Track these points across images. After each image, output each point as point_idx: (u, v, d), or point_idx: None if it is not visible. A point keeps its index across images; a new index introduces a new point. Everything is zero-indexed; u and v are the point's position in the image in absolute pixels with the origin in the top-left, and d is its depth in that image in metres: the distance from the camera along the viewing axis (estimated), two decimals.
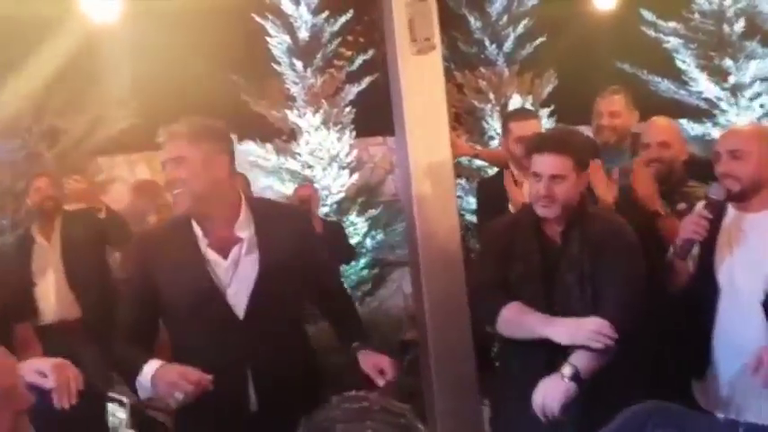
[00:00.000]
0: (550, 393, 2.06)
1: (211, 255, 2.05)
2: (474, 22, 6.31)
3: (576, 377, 2.07)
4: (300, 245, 2.15)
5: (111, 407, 2.49)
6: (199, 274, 2.03)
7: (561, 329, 2.13)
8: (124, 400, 2.44)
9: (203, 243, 2.06)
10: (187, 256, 2.04)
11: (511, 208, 3.20)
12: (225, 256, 2.06)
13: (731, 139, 2.40)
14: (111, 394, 2.50)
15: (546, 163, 2.21)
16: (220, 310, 2.04)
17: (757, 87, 6.87)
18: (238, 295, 2.05)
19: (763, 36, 6.84)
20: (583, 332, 2.09)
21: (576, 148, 2.27)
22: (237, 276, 2.05)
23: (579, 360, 2.09)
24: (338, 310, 2.34)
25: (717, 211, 2.32)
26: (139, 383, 1.99)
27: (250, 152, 6.15)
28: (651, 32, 6.92)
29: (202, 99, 5.53)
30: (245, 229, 2.08)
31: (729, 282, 2.29)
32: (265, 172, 6.15)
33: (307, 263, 2.19)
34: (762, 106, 6.88)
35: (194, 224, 2.07)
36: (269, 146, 6.14)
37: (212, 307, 2.04)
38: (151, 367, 1.97)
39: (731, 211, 2.37)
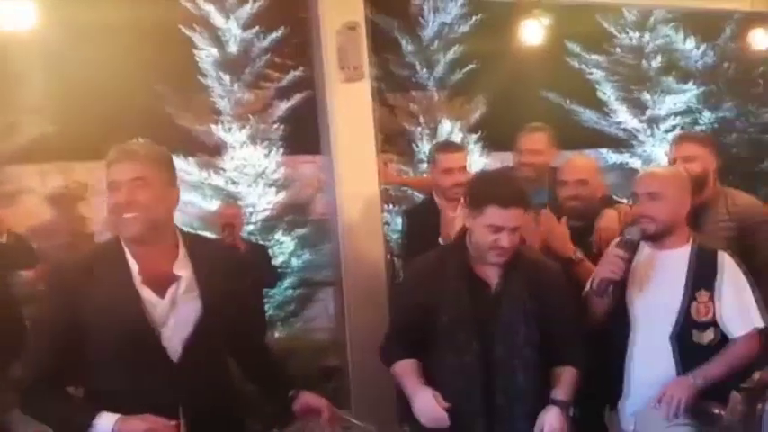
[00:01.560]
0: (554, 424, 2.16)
1: (146, 292, 1.88)
2: (406, 46, 6.37)
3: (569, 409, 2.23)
4: (235, 287, 2.04)
5: None
6: (132, 313, 1.85)
7: (418, 408, 2.17)
8: None
9: (137, 279, 1.88)
10: (119, 291, 1.85)
11: (440, 240, 3.23)
12: (161, 295, 1.89)
13: (649, 182, 2.49)
14: None
15: (511, 217, 2.19)
16: (153, 351, 1.87)
17: (672, 121, 7.20)
18: (174, 337, 1.89)
19: (679, 72, 7.19)
20: (435, 414, 2.14)
21: (530, 198, 2.31)
22: (175, 317, 1.90)
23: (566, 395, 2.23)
24: (266, 365, 2.20)
25: (632, 250, 2.40)
26: None
27: None
28: (576, 64, 7.17)
29: (123, 109, 5.36)
30: (183, 268, 1.93)
31: (641, 317, 2.39)
32: (188, 187, 5.97)
33: (241, 309, 2.09)
34: None
35: (129, 256, 1.89)
36: (192, 160, 5.98)
37: (144, 348, 1.86)
38: (108, 422, 1.77)
39: (645, 248, 2.46)
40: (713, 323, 2.37)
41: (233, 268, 2.09)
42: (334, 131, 3.34)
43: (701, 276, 2.38)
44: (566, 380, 2.25)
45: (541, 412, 2.18)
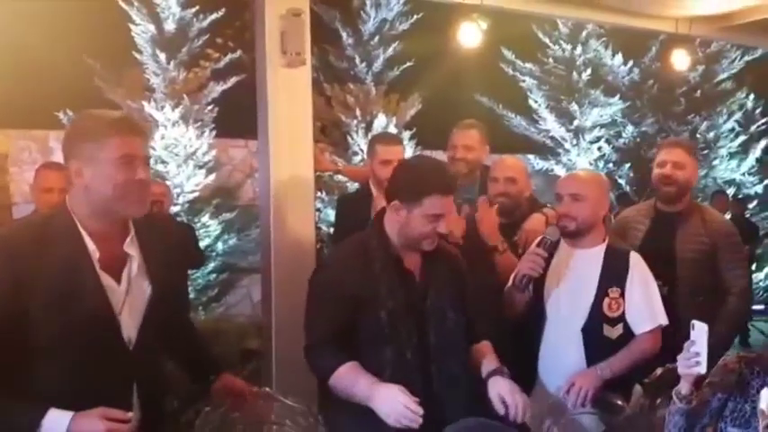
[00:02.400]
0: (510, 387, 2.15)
1: (105, 278, 1.71)
2: (346, 39, 6.39)
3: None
4: (176, 261, 1.99)
5: None
6: (94, 301, 1.68)
7: (387, 408, 2.03)
8: None
9: (97, 263, 1.70)
10: (77, 276, 1.66)
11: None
12: (118, 281, 1.74)
13: (572, 184, 2.63)
14: None
15: (450, 203, 2.22)
16: (112, 341, 1.72)
17: (597, 132, 7.50)
18: (130, 325, 1.76)
19: (606, 86, 7.50)
20: (398, 410, 2.02)
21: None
22: (130, 302, 1.76)
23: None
24: (191, 344, 2.12)
25: (551, 249, 2.54)
26: None
27: None
28: (510, 71, 7.37)
29: (49, 79, 5.17)
30: (133, 246, 1.78)
31: (555, 311, 2.53)
32: None
33: (176, 284, 2.03)
34: (599, 149, 7.52)
35: (85, 235, 1.70)
36: None
37: (103, 338, 1.70)
38: (60, 421, 1.57)
39: (563, 246, 2.60)
40: (622, 319, 2.53)
41: (174, 241, 2.04)
42: (272, 116, 3.33)
43: (614, 274, 2.53)
44: (490, 350, 2.30)
45: (490, 386, 2.18)
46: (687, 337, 2.86)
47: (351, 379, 2.09)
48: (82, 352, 1.67)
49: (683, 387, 2.02)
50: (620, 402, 2.44)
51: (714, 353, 2.40)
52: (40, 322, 1.63)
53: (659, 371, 2.53)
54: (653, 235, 2.94)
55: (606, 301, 2.51)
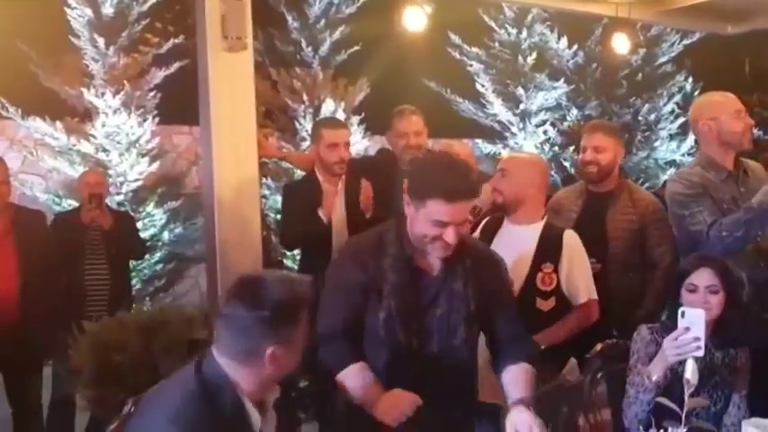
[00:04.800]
0: (536, 424, 1.91)
1: None
2: (292, 22, 6.29)
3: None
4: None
5: None
6: None
7: (387, 409, 1.95)
8: None
9: None
10: None
11: (320, 213, 3.27)
12: None
13: (504, 161, 2.92)
14: None
15: (458, 211, 1.96)
16: None
17: (543, 116, 7.59)
18: None
19: (551, 70, 7.59)
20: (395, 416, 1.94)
21: (477, 189, 2.08)
22: None
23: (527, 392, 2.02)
24: None
25: (480, 217, 2.80)
26: None
27: (37, 129, 5.63)
28: (456, 55, 7.38)
29: None
30: None
31: None
32: (53, 152, 5.66)
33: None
34: (545, 133, 7.62)
35: None
36: (59, 124, 5.65)
37: None
38: None
39: (505, 223, 2.81)
40: (554, 293, 2.67)
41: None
42: (214, 101, 3.27)
43: (548, 250, 2.71)
44: (524, 375, 2.04)
45: (510, 415, 1.95)
46: (619, 311, 3.07)
47: (361, 388, 2.00)
48: None
49: (658, 371, 2.14)
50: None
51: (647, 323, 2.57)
52: None
53: (599, 346, 2.62)
54: (585, 215, 3.10)
55: (539, 275, 2.69)
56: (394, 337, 2.05)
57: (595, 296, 2.77)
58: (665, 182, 7.58)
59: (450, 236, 1.96)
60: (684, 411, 1.86)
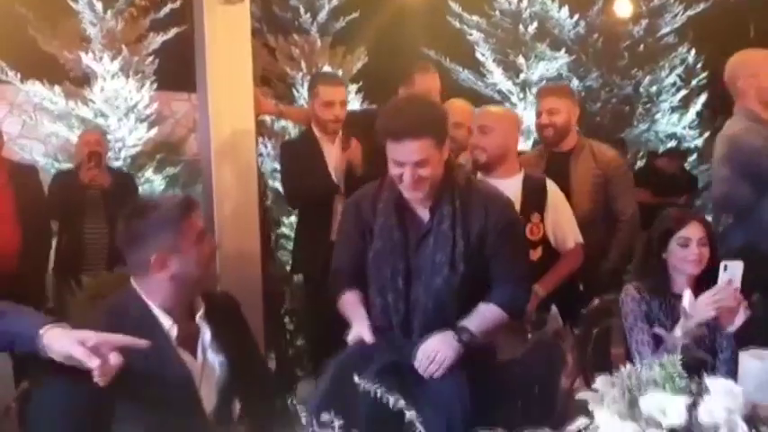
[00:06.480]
0: (443, 350, 1.97)
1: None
2: None
3: (467, 342, 2.01)
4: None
5: None
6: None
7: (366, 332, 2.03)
8: None
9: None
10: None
11: (331, 173, 3.35)
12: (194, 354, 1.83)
13: (482, 117, 2.89)
14: None
15: (407, 151, 1.98)
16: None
17: (543, 86, 7.54)
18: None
19: (552, 40, 7.53)
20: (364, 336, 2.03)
21: (433, 126, 2.04)
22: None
23: (474, 326, 2.04)
24: None
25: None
26: None
27: (36, 93, 5.62)
28: (456, 23, 7.33)
29: None
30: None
31: None
32: (52, 116, 5.65)
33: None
34: None
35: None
36: (58, 88, 5.63)
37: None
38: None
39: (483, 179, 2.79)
40: (541, 242, 2.72)
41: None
42: (211, 57, 3.26)
43: (533, 201, 2.75)
44: (480, 312, 2.09)
45: (435, 335, 2.01)
46: (584, 265, 3.12)
47: (347, 305, 2.16)
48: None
49: (693, 322, 2.05)
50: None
51: (612, 275, 2.65)
52: None
53: (596, 301, 2.65)
54: (549, 174, 3.13)
55: (528, 226, 2.71)
56: (381, 275, 2.10)
57: (581, 239, 2.83)
58: (664, 152, 7.58)
59: (406, 175, 2.01)
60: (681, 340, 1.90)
